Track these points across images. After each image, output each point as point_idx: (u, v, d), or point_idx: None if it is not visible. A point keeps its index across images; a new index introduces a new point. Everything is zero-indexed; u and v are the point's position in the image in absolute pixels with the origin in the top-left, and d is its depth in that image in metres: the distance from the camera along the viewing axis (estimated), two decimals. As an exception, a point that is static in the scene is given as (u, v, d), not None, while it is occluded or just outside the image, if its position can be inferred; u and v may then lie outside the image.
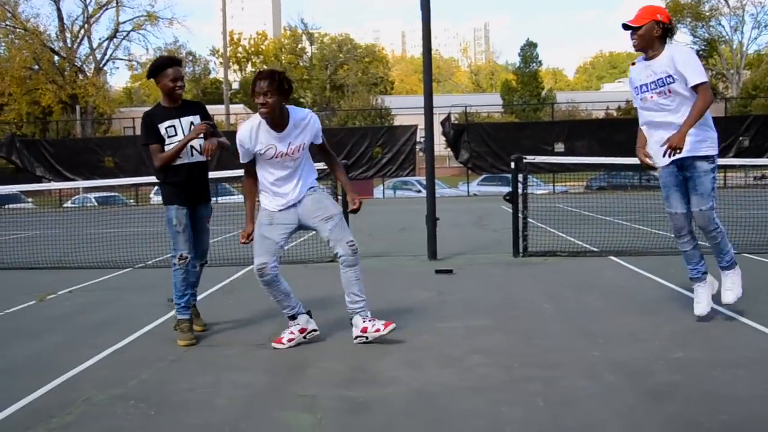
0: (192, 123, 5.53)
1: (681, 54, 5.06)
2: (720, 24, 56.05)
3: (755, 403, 3.67)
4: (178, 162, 5.49)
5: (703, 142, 5.13)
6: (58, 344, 5.45)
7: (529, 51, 58.74)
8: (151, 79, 5.62)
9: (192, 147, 5.51)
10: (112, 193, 30.32)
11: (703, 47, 57.14)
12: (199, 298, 7.10)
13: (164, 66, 5.51)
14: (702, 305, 5.40)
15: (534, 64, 58.93)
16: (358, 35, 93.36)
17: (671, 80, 5.02)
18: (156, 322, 6.06)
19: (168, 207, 5.58)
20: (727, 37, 56.47)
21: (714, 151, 5.19)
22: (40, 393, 4.19)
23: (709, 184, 5.13)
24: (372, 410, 3.75)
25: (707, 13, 55.07)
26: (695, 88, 4.96)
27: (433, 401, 3.85)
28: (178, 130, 5.48)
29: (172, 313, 6.37)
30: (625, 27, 5.18)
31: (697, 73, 4.97)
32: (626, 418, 3.51)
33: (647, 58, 5.22)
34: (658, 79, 5.09)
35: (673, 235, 5.55)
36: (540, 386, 4.03)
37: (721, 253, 5.35)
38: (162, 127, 5.45)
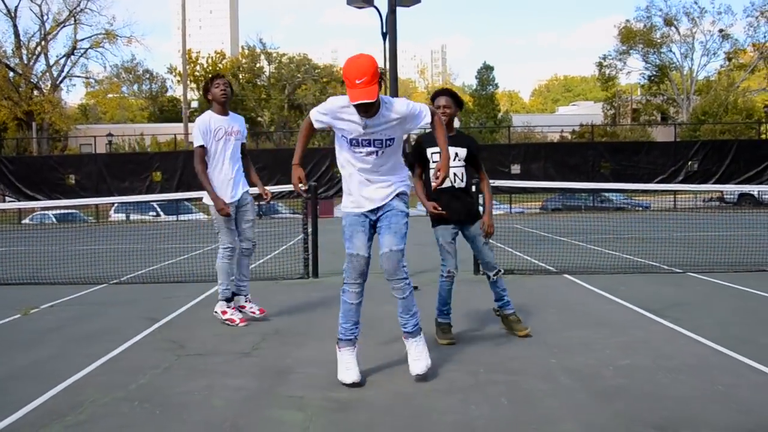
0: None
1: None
2: (671, 51, 57.94)
3: (692, 402, 4.22)
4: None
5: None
6: (52, 354, 5.78)
7: (485, 73, 59.93)
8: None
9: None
10: (72, 210, 30.29)
11: (654, 73, 58.95)
12: (178, 311, 7.52)
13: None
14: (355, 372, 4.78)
15: (490, 87, 60.11)
16: (317, 55, 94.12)
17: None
18: (141, 335, 6.41)
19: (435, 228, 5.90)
20: (677, 64, 58.32)
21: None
22: (48, 396, 4.56)
23: (402, 226, 4.79)
24: (356, 409, 4.21)
25: (659, 40, 56.92)
26: None
27: (410, 401, 4.33)
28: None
29: (156, 326, 6.78)
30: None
31: None
32: (580, 415, 4.03)
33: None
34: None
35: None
36: (503, 388, 4.54)
37: (408, 312, 4.87)
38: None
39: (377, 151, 4.67)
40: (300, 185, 4.86)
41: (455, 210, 5.76)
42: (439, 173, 4.76)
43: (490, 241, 6.04)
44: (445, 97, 5.94)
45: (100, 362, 5.43)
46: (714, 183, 27.79)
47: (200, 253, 13.53)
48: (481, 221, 5.91)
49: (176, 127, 46.91)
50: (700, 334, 5.89)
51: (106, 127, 53.26)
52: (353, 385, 4.63)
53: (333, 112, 4.65)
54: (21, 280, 10.32)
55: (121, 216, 30.19)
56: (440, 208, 5.55)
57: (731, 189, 28.00)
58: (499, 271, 6.03)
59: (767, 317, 6.73)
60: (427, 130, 5.78)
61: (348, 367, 4.74)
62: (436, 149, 5.77)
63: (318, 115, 4.71)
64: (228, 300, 6.77)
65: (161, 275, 10.60)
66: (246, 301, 6.92)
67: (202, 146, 6.51)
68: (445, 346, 5.73)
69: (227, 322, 6.69)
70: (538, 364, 5.13)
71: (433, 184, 4.91)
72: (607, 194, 29.24)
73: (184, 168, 29.23)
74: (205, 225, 22.78)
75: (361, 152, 4.68)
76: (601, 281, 9.03)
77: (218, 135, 6.54)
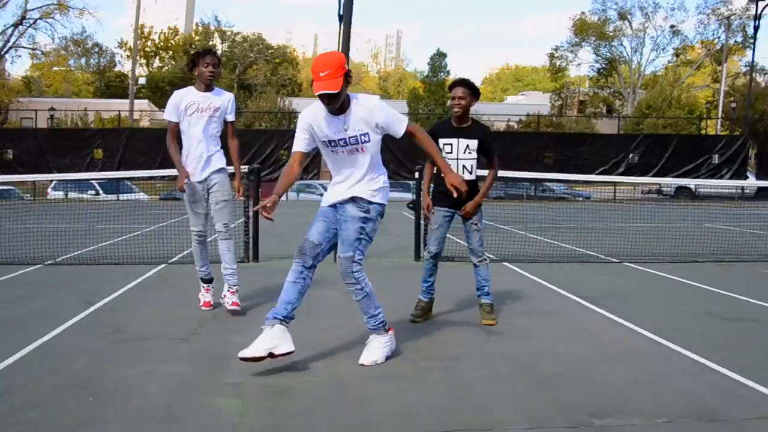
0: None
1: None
2: (622, 44, 58.78)
3: (624, 388, 4.34)
4: None
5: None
6: (-20, 338, 5.62)
7: (438, 60, 59.93)
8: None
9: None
10: (8, 187, 29.48)
11: (604, 65, 59.74)
12: (116, 294, 7.38)
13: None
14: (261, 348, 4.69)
15: (442, 74, 60.18)
16: (271, 35, 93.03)
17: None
18: (76, 318, 6.26)
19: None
20: (627, 58, 59.21)
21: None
22: (-24, 381, 4.44)
23: (353, 233, 4.81)
24: (294, 395, 4.20)
25: (611, 34, 57.62)
26: None
27: (348, 387, 4.34)
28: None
29: (92, 309, 6.65)
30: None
31: None
32: (516, 402, 4.09)
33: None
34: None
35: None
36: (440, 374, 4.59)
37: (366, 312, 4.98)
38: None
39: (357, 148, 4.75)
40: (266, 208, 4.64)
41: (456, 200, 5.78)
42: (452, 186, 4.84)
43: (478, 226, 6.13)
44: (462, 87, 5.94)
45: (32, 347, 5.28)
46: (653, 176, 28.38)
47: (140, 234, 13.30)
48: (465, 206, 5.98)
49: (122, 104, 45.89)
50: (636, 324, 6.03)
51: (49, 100, 51.76)
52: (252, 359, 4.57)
53: (307, 124, 4.76)
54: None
55: (59, 194, 29.47)
56: (431, 208, 6.04)
57: (669, 182, 28.65)
58: (484, 260, 6.13)
59: (699, 307, 6.93)
60: (444, 118, 5.93)
61: (260, 344, 4.64)
62: (449, 140, 5.97)
63: (299, 140, 4.79)
64: (205, 281, 6.70)
65: (99, 256, 10.38)
66: (228, 291, 6.53)
67: (172, 121, 6.29)
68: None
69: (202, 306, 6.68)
70: (477, 351, 5.19)
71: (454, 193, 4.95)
72: (548, 184, 29.64)
73: (126, 146, 28.67)
74: (146, 205, 22.43)
75: (337, 151, 4.78)
76: (541, 270, 9.17)
77: (189, 110, 6.24)
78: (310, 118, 4.76)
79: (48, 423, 3.77)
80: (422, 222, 9.90)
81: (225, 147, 6.52)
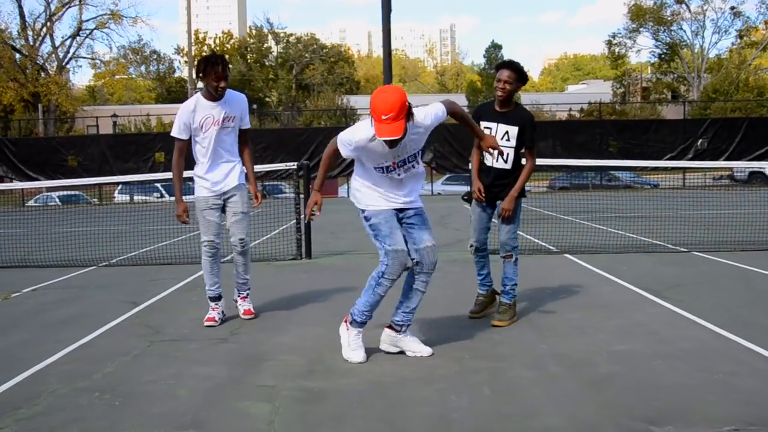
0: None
1: None
2: (681, 29, 57.10)
3: (686, 391, 3.92)
4: None
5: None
6: (24, 340, 5.54)
7: (494, 52, 59.33)
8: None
9: None
10: (75, 192, 30.10)
11: (665, 51, 58.15)
12: (161, 295, 7.26)
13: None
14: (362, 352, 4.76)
15: (499, 66, 59.42)
16: (324, 35, 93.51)
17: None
18: (119, 319, 6.17)
19: None
20: (688, 42, 57.50)
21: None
22: (7, 387, 4.31)
23: (428, 221, 4.87)
24: (327, 399, 3.94)
25: (669, 18, 56.04)
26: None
27: (386, 391, 4.05)
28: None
29: (135, 310, 6.53)
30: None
31: None
32: (565, 406, 3.74)
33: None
34: None
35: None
36: (487, 376, 4.25)
37: (407, 308, 4.91)
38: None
39: (406, 168, 4.66)
40: (314, 209, 4.95)
41: (491, 191, 5.64)
42: (490, 149, 4.99)
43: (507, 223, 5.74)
44: (508, 70, 5.53)
45: (69, 349, 5.19)
46: (724, 161, 27.32)
47: (196, 234, 13.27)
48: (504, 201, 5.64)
49: (182, 108, 46.50)
50: (702, 317, 5.58)
51: (111, 108, 52.96)
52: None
53: (358, 145, 4.56)
54: (10, 263, 10.07)
55: (125, 197, 30.00)
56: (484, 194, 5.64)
57: (741, 166, 27.51)
58: (511, 255, 5.73)
59: (773, 298, 6.41)
60: (487, 101, 6.00)
61: (354, 348, 4.73)
62: (488, 124, 5.66)
63: (344, 148, 4.64)
64: (213, 299, 5.97)
65: (152, 257, 10.36)
66: (239, 297, 6.17)
67: (180, 139, 5.72)
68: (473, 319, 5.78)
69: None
70: (527, 349, 4.85)
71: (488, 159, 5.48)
72: (615, 172, 28.82)
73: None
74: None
75: (388, 174, 4.68)
76: (603, 261, 8.73)
77: (205, 126, 5.67)
78: (367, 146, 4.54)
79: (66, 429, 3.59)
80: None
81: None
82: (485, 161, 5.67)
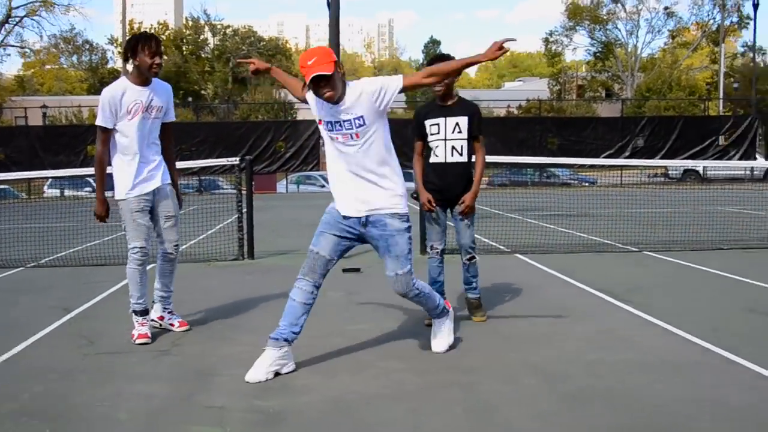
0: None
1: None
2: (617, 27, 58.00)
3: (675, 407, 3.67)
4: None
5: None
6: (-61, 354, 5.02)
7: (432, 48, 59.36)
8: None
9: None
10: (3, 186, 28.86)
11: (600, 49, 59.00)
12: (96, 299, 6.76)
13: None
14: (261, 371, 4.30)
15: (437, 62, 59.42)
16: (262, 28, 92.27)
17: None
18: (49, 328, 5.66)
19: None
20: (623, 41, 58.45)
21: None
22: None
23: (405, 245, 4.37)
24: (285, 422, 3.56)
25: (605, 17, 56.87)
26: None
27: (349, 411, 3.69)
28: None
29: (67, 317, 6.03)
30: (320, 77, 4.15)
31: None
32: (550, 424, 3.45)
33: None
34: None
35: None
36: (458, 392, 3.94)
37: (429, 307, 4.72)
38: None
39: (351, 134, 4.23)
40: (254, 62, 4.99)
41: (445, 186, 5.38)
42: (497, 49, 4.19)
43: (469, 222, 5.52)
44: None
45: (-7, 364, 4.70)
46: (660, 159, 27.69)
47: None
48: (463, 198, 5.37)
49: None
50: (670, 323, 5.37)
51: (41, 98, 51.13)
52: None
53: (312, 97, 4.38)
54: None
55: (55, 192, 28.88)
56: (434, 203, 5.39)
57: (677, 164, 27.94)
58: (474, 257, 5.55)
59: (737, 302, 6.24)
60: (426, 102, 5.72)
61: (258, 365, 4.28)
62: (434, 120, 5.36)
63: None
64: (140, 313, 5.27)
65: (85, 257, 9.75)
66: (165, 311, 5.53)
67: (104, 128, 5.05)
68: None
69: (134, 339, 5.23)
70: (497, 360, 4.55)
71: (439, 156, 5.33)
72: (553, 169, 28.95)
73: (120, 141, 28.03)
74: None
75: (337, 138, 4.29)
76: (556, 261, 8.53)
77: (132, 111, 5.04)
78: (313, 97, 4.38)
79: (-11, 466, 3.15)
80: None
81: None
82: (436, 158, 5.39)
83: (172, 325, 5.51)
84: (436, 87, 5.24)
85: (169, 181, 5.40)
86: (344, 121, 4.22)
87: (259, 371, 4.21)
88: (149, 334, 5.21)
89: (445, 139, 5.36)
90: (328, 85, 4.12)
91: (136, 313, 5.27)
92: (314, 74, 4.05)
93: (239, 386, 4.12)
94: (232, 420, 3.59)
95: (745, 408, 3.64)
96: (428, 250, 5.62)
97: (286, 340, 4.31)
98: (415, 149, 5.53)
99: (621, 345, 4.85)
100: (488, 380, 4.13)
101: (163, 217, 5.30)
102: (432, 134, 5.40)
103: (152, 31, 64.82)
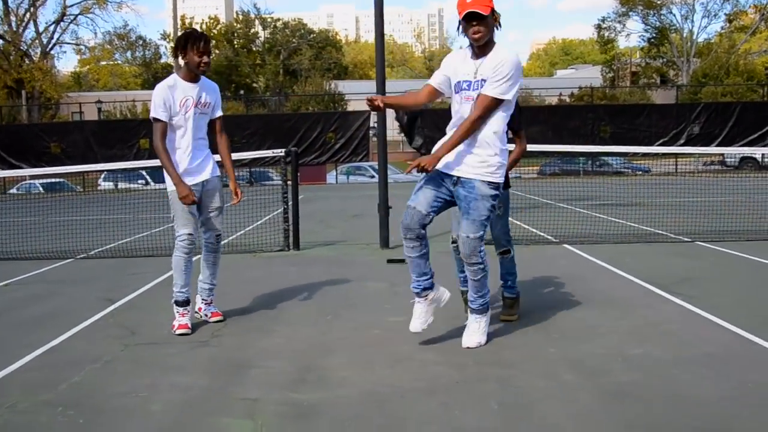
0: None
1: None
2: (671, 12, 56.70)
3: (718, 405, 3.52)
4: None
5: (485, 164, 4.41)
6: (-13, 343, 5.11)
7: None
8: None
9: None
10: (59, 179, 29.49)
11: (654, 35, 57.81)
12: (140, 290, 6.82)
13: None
14: (416, 321, 4.65)
15: (488, 51, 58.81)
16: (312, 20, 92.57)
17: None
18: (93, 318, 5.73)
19: None
20: (677, 26, 57.13)
21: (499, 179, 4.46)
22: (-39, 399, 3.89)
23: (485, 211, 4.42)
24: (317, 415, 3.52)
25: (659, 2, 55.62)
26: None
27: (383, 404, 3.63)
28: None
29: (111, 308, 6.09)
30: (474, 15, 4.23)
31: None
32: (585, 422, 3.34)
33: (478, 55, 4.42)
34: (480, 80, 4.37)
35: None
36: (494, 386, 3.84)
37: (478, 292, 4.65)
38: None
39: (474, 98, 4.35)
40: (373, 100, 4.55)
41: None
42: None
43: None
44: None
45: (37, 353, 4.76)
46: (716, 146, 26.98)
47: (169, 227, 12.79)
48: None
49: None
50: (719, 316, 5.19)
51: (96, 94, 52.16)
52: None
53: (447, 65, 4.53)
54: (-17, 256, 9.59)
55: (110, 185, 29.43)
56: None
57: (734, 152, 27.21)
58: (508, 250, 5.43)
59: (790, 293, 6.02)
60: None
61: (414, 317, 4.66)
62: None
63: (435, 75, 4.58)
64: (181, 304, 5.34)
65: (132, 248, 9.87)
66: (203, 302, 5.60)
67: (162, 120, 5.15)
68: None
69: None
70: (535, 354, 4.44)
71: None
72: (605, 158, 28.44)
73: (172, 134, 28.41)
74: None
75: (457, 98, 4.46)
76: (605, 252, 8.33)
77: (186, 107, 5.18)
78: (451, 59, 4.55)
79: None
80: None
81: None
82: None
83: (206, 316, 5.55)
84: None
85: (218, 173, 5.49)
86: (475, 81, 4.33)
87: (416, 323, 4.61)
88: (189, 325, 5.27)
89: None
90: (481, 24, 4.23)
91: (177, 303, 5.34)
92: (470, 10, 4.18)
93: (275, 378, 4.09)
94: (264, 412, 3.56)
95: (796, 405, 3.47)
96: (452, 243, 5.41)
97: (425, 289, 4.60)
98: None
99: (666, 339, 4.69)
100: (526, 375, 4.02)
101: (208, 207, 5.41)
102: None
103: (203, 26, 65.91)
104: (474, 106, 4.33)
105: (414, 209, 4.44)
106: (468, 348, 4.57)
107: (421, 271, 4.57)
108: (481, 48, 4.36)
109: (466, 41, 4.44)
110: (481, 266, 4.53)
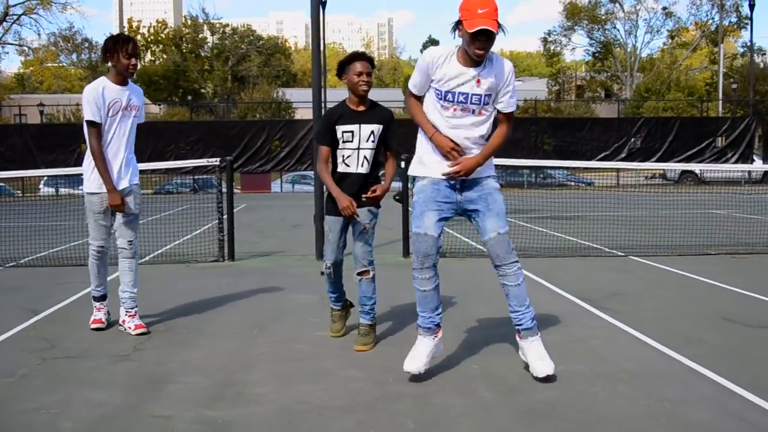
0: (372, 132, 4.94)
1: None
2: (615, 27, 57.83)
3: (630, 423, 3.55)
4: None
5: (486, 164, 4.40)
6: None
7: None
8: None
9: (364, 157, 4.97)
10: (-1, 183, 28.77)
11: (599, 49, 58.84)
12: (66, 301, 6.64)
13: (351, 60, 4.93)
14: (419, 361, 4.24)
15: (436, 61, 59.14)
16: (261, 26, 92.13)
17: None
18: (13, 330, 5.55)
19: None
20: (621, 41, 58.28)
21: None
22: None
23: (503, 203, 4.33)
24: (231, 434, 3.46)
25: (603, 17, 56.67)
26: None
27: (299, 422, 3.58)
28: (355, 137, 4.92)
29: (33, 319, 5.92)
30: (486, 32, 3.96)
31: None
32: (499, 440, 3.34)
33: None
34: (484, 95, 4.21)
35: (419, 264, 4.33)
36: (412, 404, 3.82)
37: (523, 304, 4.34)
38: (340, 130, 4.90)
39: (475, 110, 4.18)
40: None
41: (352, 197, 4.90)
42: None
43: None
44: (363, 62, 4.85)
45: (-53, 368, 4.59)
46: (656, 160, 27.56)
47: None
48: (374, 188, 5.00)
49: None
50: (643, 331, 5.26)
51: (38, 96, 51.02)
52: (414, 377, 4.19)
53: (427, 66, 4.16)
54: None
55: (50, 190, 28.80)
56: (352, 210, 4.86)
57: (673, 167, 27.82)
58: (367, 270, 4.98)
59: (713, 309, 6.13)
60: (337, 101, 5.20)
61: (413, 356, 4.23)
62: (349, 127, 4.88)
63: (412, 82, 4.31)
64: (98, 299, 5.58)
65: (64, 257, 9.64)
66: (126, 315, 5.46)
67: (98, 123, 5.12)
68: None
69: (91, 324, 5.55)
70: (458, 370, 4.43)
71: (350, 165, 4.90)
72: (550, 171, 28.82)
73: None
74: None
75: (450, 108, 4.18)
76: (539, 265, 8.41)
77: (113, 109, 5.17)
78: (437, 56, 4.15)
79: None
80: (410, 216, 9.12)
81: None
82: (345, 168, 4.96)
83: (130, 329, 5.42)
84: (362, 86, 4.83)
85: (137, 181, 5.48)
86: (473, 94, 4.12)
87: (418, 363, 4.18)
88: (104, 320, 5.58)
89: (358, 148, 4.92)
90: (488, 41, 3.98)
91: (94, 299, 5.63)
92: (483, 27, 3.87)
93: (192, 394, 4.01)
94: (176, 431, 3.48)
95: (704, 425, 3.52)
96: (322, 269, 5.12)
97: (437, 325, 4.31)
98: (321, 154, 4.99)
99: (590, 356, 4.74)
100: (445, 392, 4.01)
101: (121, 214, 5.36)
102: (344, 141, 4.90)
103: (151, 29, 65.07)
104: (487, 118, 4.29)
105: (425, 235, 4.20)
106: (548, 376, 4.13)
107: (435, 305, 4.29)
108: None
109: (455, 41, 4.18)
110: (519, 264, 4.31)
